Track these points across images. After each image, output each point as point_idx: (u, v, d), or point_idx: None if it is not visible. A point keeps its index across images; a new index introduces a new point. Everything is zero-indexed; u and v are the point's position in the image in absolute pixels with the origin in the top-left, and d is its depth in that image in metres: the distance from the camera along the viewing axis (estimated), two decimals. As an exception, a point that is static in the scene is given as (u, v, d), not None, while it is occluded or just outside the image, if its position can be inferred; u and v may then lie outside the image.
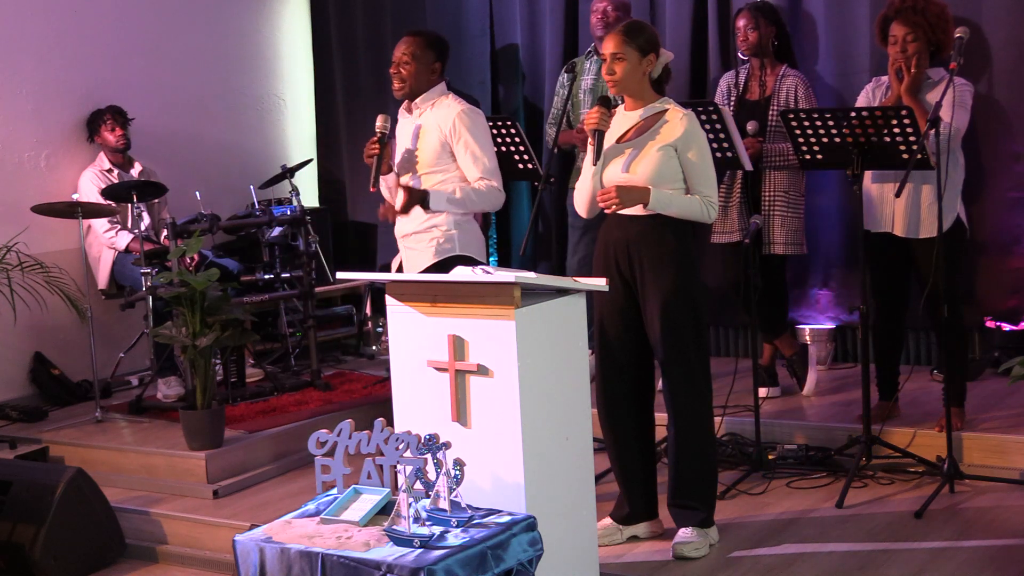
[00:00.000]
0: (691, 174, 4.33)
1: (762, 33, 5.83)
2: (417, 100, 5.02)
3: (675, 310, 4.30)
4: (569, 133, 6.29)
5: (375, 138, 4.94)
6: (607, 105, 4.37)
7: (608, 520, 4.55)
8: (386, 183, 5.09)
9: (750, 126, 5.71)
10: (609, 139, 4.42)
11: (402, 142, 5.05)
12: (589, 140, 4.39)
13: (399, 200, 4.91)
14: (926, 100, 5.12)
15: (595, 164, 4.38)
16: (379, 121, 4.96)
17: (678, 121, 4.32)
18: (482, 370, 3.86)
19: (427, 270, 4.95)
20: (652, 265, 4.32)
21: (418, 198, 4.91)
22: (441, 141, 4.94)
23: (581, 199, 4.51)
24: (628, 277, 4.38)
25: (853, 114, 4.92)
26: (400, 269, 5.07)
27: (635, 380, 4.46)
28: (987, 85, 5.91)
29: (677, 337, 4.32)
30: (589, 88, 6.29)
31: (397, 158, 5.09)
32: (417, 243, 5.00)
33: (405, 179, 4.98)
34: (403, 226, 5.04)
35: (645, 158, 4.31)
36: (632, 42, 4.31)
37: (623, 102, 4.48)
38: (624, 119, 4.43)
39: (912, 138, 4.82)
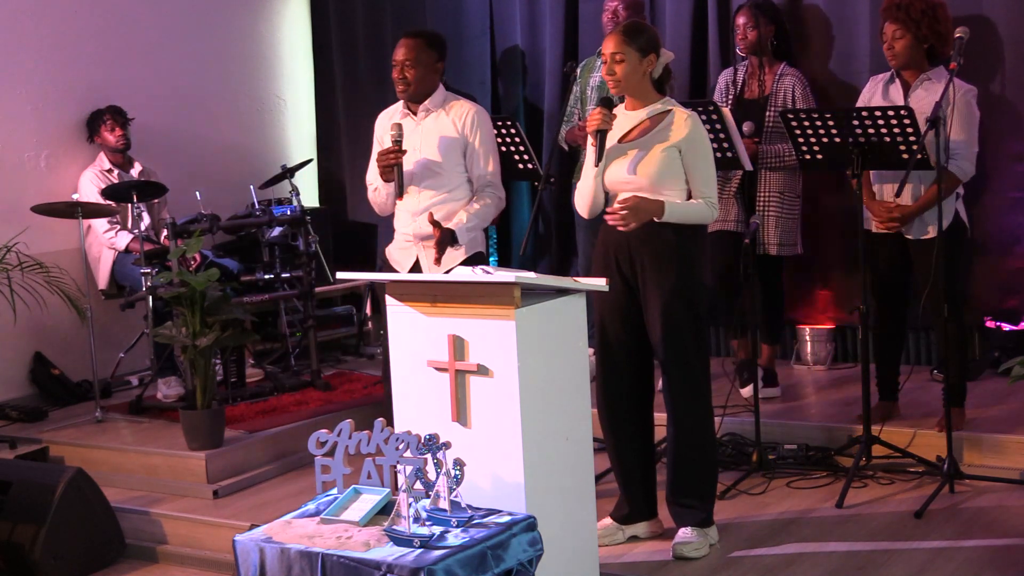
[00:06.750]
0: (694, 175, 4.32)
1: (761, 32, 5.84)
2: (426, 103, 5.02)
3: (675, 310, 4.30)
4: (574, 131, 6.28)
5: (394, 147, 4.89)
6: (609, 106, 4.37)
7: (608, 520, 4.55)
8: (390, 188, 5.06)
9: (746, 127, 5.71)
10: (611, 139, 4.41)
11: (411, 144, 5.00)
12: (591, 140, 4.39)
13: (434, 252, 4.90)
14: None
15: (596, 165, 4.39)
16: (394, 130, 4.93)
17: (683, 122, 4.32)
18: (482, 370, 3.86)
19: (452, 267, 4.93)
20: (653, 265, 4.32)
21: (448, 240, 4.91)
22: (457, 140, 4.98)
23: (582, 199, 4.50)
24: (629, 277, 4.38)
25: (853, 114, 4.92)
26: (415, 268, 5.05)
27: (635, 380, 4.46)
28: (988, 85, 5.91)
29: (677, 337, 4.32)
30: (596, 85, 6.29)
31: (407, 163, 5.02)
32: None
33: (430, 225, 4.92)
34: (422, 229, 4.99)
35: (649, 159, 4.31)
36: (632, 42, 4.31)
37: (623, 102, 4.49)
38: (626, 119, 4.43)
39: (912, 138, 4.82)
